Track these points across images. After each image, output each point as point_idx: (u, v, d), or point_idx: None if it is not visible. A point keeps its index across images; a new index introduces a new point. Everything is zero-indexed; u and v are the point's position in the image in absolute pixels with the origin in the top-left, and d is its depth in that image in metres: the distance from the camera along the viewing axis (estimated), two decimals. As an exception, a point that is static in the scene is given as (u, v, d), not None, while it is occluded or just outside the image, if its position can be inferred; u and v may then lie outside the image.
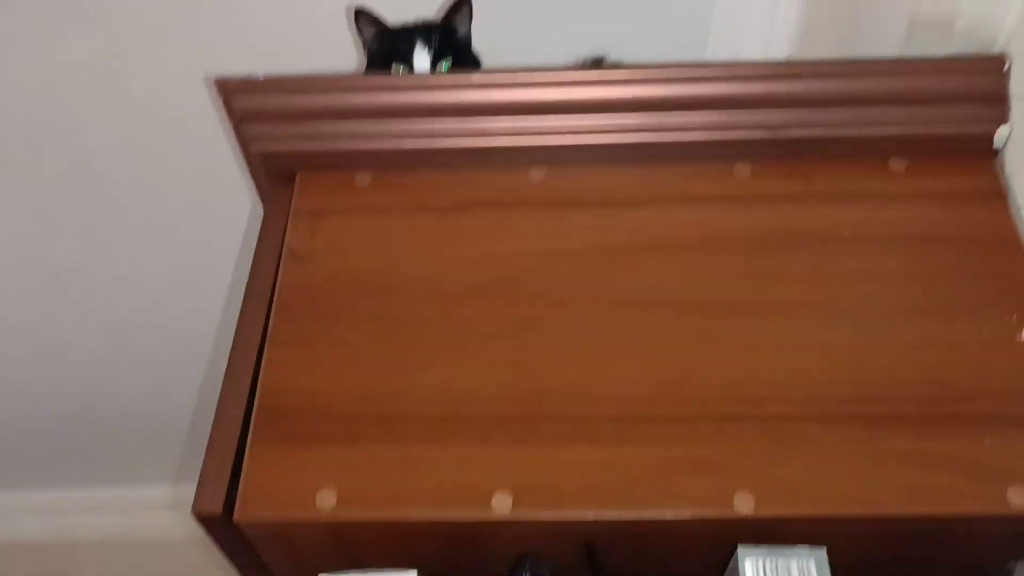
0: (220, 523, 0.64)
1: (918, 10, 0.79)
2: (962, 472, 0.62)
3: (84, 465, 1.78)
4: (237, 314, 0.76)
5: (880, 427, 0.65)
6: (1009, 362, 0.67)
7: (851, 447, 0.64)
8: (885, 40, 0.83)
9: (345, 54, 1.02)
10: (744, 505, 0.61)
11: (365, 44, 0.91)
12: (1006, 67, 0.76)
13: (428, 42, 0.87)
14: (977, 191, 0.77)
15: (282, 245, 0.78)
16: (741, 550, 0.61)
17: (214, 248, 1.25)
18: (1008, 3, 0.76)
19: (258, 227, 0.82)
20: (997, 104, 0.76)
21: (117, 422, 1.66)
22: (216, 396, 0.71)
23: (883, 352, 0.69)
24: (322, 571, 0.63)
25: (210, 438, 0.67)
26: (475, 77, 0.80)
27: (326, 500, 0.63)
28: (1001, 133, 0.76)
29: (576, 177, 0.80)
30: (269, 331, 0.72)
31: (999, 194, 0.76)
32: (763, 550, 0.61)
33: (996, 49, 0.78)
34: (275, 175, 0.82)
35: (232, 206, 1.15)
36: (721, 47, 1.07)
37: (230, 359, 0.73)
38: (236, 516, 0.63)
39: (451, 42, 0.89)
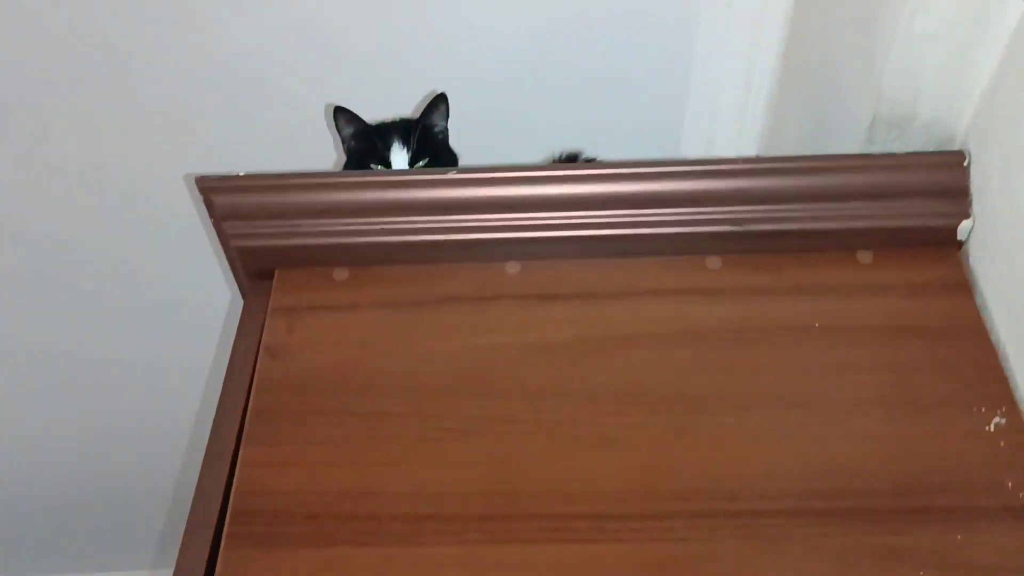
0: (193, 629, 0.64)
1: (879, 108, 0.81)
2: (935, 568, 0.62)
3: (60, 553, 1.76)
4: (215, 409, 0.76)
5: (853, 522, 0.65)
6: (979, 454, 0.68)
7: (824, 543, 0.64)
8: (849, 137, 0.86)
9: (324, 151, 1.05)
10: (719, 604, 0.61)
11: (344, 142, 0.93)
12: (966, 162, 0.78)
13: (406, 140, 0.89)
14: (943, 282, 0.78)
15: (259, 341, 0.78)
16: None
17: (195, 339, 1.26)
18: (966, 101, 0.79)
19: (237, 320, 0.83)
20: (959, 198, 0.78)
21: (96, 510, 1.64)
22: (192, 491, 0.71)
23: (854, 444, 0.69)
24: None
25: (183, 542, 0.66)
26: (451, 174, 0.81)
27: (299, 604, 0.63)
28: (964, 226, 0.78)
29: (551, 271, 0.81)
30: (244, 430, 0.72)
31: (964, 285, 0.77)
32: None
33: (956, 145, 0.81)
34: (254, 271, 0.83)
35: (213, 298, 1.16)
36: (694, 144, 1.10)
37: (205, 457, 0.73)
38: (209, 623, 0.63)
39: (429, 139, 0.91)
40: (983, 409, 0.70)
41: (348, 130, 0.91)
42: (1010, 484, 0.66)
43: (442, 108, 0.92)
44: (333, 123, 0.92)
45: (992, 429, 0.69)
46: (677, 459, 0.69)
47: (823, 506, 0.66)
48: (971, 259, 0.79)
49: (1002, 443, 0.68)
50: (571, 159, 0.98)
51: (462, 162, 0.94)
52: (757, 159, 0.82)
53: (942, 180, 0.79)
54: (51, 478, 1.58)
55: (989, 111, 0.77)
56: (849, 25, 0.87)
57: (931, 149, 0.82)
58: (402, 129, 0.90)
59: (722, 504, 0.66)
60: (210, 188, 0.80)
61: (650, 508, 0.66)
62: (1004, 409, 0.70)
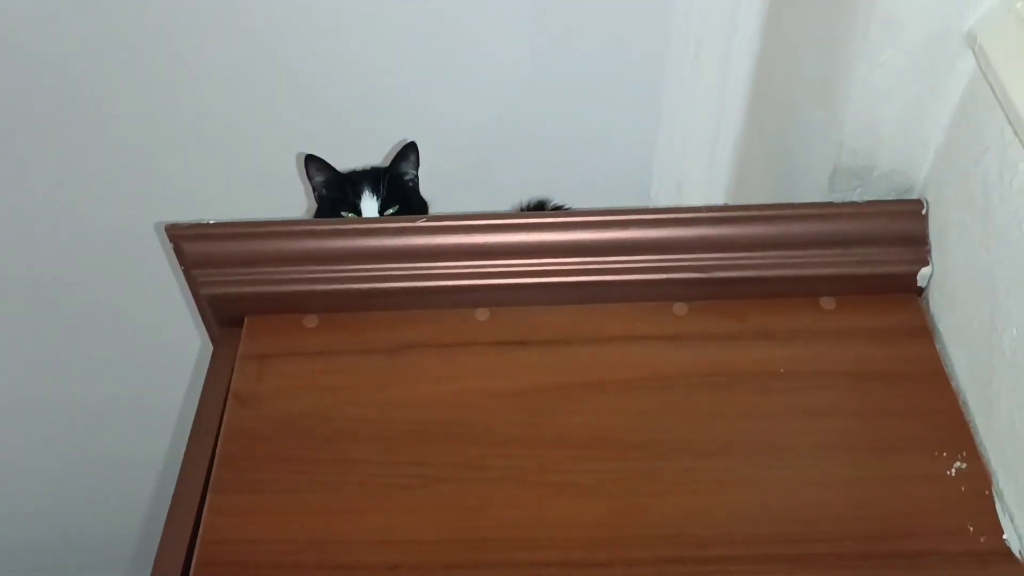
0: None
1: (840, 158, 0.84)
2: (901, 613, 0.63)
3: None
4: (181, 457, 0.75)
5: (821, 567, 0.65)
6: (941, 498, 0.69)
7: (792, 589, 0.64)
8: (812, 186, 0.88)
9: (295, 200, 1.05)
10: (687, 652, 0.61)
11: (315, 190, 0.93)
12: (924, 210, 0.80)
13: (376, 188, 0.90)
14: (905, 328, 0.80)
15: (228, 388, 0.78)
16: None
17: (164, 386, 1.25)
18: (923, 152, 0.81)
19: (207, 366, 0.83)
20: (918, 246, 0.80)
21: (60, 557, 1.61)
22: (158, 539, 0.70)
23: (819, 489, 0.70)
24: None
25: (147, 592, 0.66)
26: (421, 222, 0.82)
27: (265, 656, 0.62)
28: (923, 273, 0.80)
29: (520, 317, 0.82)
30: (211, 477, 0.72)
31: (925, 331, 0.79)
32: None
33: (915, 194, 0.83)
34: (224, 318, 0.83)
35: (183, 345, 1.15)
36: (663, 195, 1.12)
37: (171, 505, 0.72)
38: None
39: (399, 187, 0.92)
40: (944, 454, 0.71)
41: (319, 178, 0.92)
42: (971, 528, 0.67)
43: (412, 157, 0.93)
44: (304, 171, 0.92)
45: (953, 474, 0.70)
46: (645, 505, 0.69)
47: (791, 552, 0.66)
48: (931, 305, 0.81)
49: (963, 488, 0.69)
50: (539, 207, 0.99)
51: (432, 210, 0.95)
52: (722, 208, 0.84)
53: (902, 228, 0.81)
54: (12, 523, 1.55)
55: (945, 162, 0.79)
56: (811, 79, 0.90)
57: (891, 198, 0.84)
58: (372, 177, 0.91)
59: (691, 551, 0.67)
60: (180, 236, 0.80)
61: (618, 555, 0.66)
62: (964, 453, 0.71)
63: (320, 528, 0.69)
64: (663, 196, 1.13)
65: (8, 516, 1.55)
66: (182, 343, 1.16)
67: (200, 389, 0.81)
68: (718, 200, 1.06)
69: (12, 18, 0.95)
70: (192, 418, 0.78)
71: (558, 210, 0.97)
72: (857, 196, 0.85)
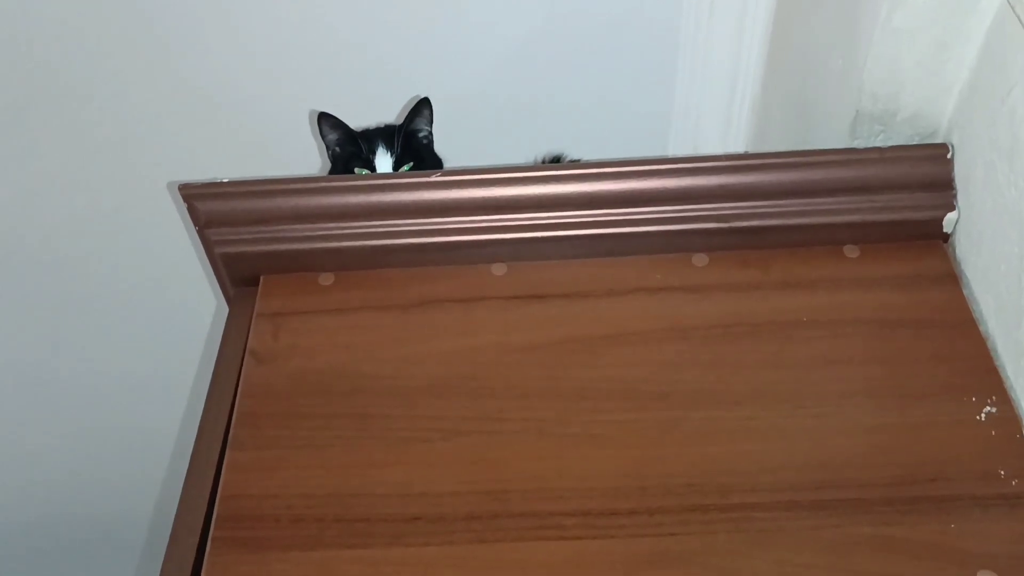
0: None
1: (862, 103, 0.82)
2: (929, 558, 0.62)
3: (39, 571, 1.73)
4: (199, 418, 0.75)
5: (845, 513, 0.64)
6: (971, 443, 0.67)
7: (817, 535, 0.63)
8: (833, 133, 0.86)
9: (309, 158, 1.05)
10: (712, 598, 0.60)
11: (328, 148, 0.93)
12: (949, 155, 0.78)
13: (390, 145, 0.89)
14: (931, 275, 0.78)
15: (245, 347, 0.78)
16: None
17: (180, 347, 1.25)
18: (947, 94, 0.79)
19: (222, 328, 0.82)
20: (943, 191, 0.78)
21: (74, 529, 1.63)
22: (176, 503, 0.70)
23: (845, 436, 0.69)
24: None
25: (168, 548, 0.65)
26: (435, 176, 0.81)
27: (286, 608, 0.62)
28: (949, 218, 0.78)
29: (537, 271, 0.81)
30: (230, 434, 0.72)
31: (952, 277, 0.77)
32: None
33: (939, 138, 0.81)
34: (239, 277, 0.83)
35: (198, 305, 1.15)
36: (680, 147, 1.10)
37: (191, 463, 0.72)
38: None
39: (413, 144, 0.91)
40: (973, 399, 0.70)
41: (332, 136, 0.91)
42: (1002, 472, 0.65)
43: (426, 113, 0.92)
44: (317, 129, 0.92)
45: (983, 418, 0.68)
46: (667, 455, 0.68)
47: (815, 498, 0.65)
48: (958, 251, 0.79)
49: (993, 432, 0.68)
50: (554, 162, 0.98)
51: (447, 167, 0.94)
52: (742, 155, 0.82)
53: (927, 173, 0.79)
54: (31, 490, 1.56)
55: (969, 104, 0.77)
56: (830, 23, 0.88)
57: (915, 142, 0.82)
58: (386, 134, 0.90)
59: (713, 499, 0.66)
60: (194, 195, 0.80)
61: (640, 504, 0.66)
62: (995, 398, 0.69)
63: (339, 482, 0.68)
64: (680, 152, 1.12)
65: (22, 491, 1.57)
66: (197, 306, 1.15)
67: (215, 355, 0.80)
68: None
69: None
70: (207, 384, 0.77)
71: (575, 163, 0.96)
72: (880, 142, 0.83)
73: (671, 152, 1.13)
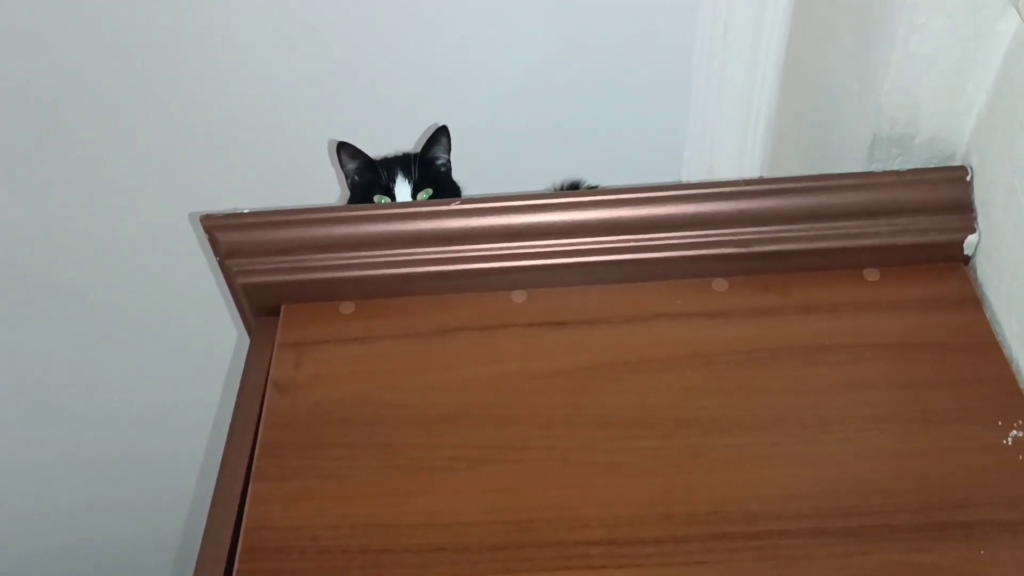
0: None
1: (879, 127, 0.82)
2: (960, 584, 0.61)
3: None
4: (222, 450, 0.75)
5: (874, 540, 0.64)
6: (998, 468, 0.67)
7: (846, 562, 0.63)
8: (850, 158, 0.86)
9: (328, 188, 1.05)
10: (741, 628, 0.60)
11: (348, 176, 0.93)
12: (969, 177, 0.78)
13: (409, 173, 0.90)
14: (952, 297, 0.78)
15: (267, 377, 0.78)
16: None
17: (202, 378, 1.25)
18: (965, 117, 0.79)
19: (243, 359, 0.82)
20: (964, 213, 0.78)
21: (101, 556, 1.62)
22: (200, 534, 0.70)
23: (872, 462, 0.68)
24: None
25: (193, 580, 0.65)
26: (455, 205, 0.82)
27: (312, 640, 0.61)
28: (970, 241, 0.78)
29: (557, 298, 0.81)
30: (254, 466, 0.72)
31: (974, 300, 0.77)
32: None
33: (957, 161, 0.81)
34: (260, 307, 0.83)
35: (219, 336, 1.15)
36: (695, 172, 1.10)
37: (215, 495, 0.72)
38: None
39: (431, 172, 0.92)
40: (999, 423, 0.69)
41: (351, 165, 0.92)
42: (1031, 497, 0.65)
43: (444, 141, 0.92)
44: (337, 159, 0.92)
45: (1010, 443, 0.68)
46: (692, 482, 0.68)
47: (843, 525, 0.65)
48: (979, 273, 0.79)
49: (1021, 457, 0.67)
50: (573, 188, 0.98)
51: (465, 195, 0.94)
52: (760, 180, 0.82)
53: (946, 195, 0.79)
54: (57, 518, 1.56)
55: (988, 127, 0.77)
56: (846, 47, 0.88)
57: (933, 165, 0.82)
58: (404, 162, 0.91)
59: (740, 526, 0.65)
60: (215, 226, 0.80)
61: (666, 532, 0.65)
62: (1021, 422, 0.69)
63: (364, 512, 0.68)
64: (695, 177, 1.12)
65: (50, 518, 1.57)
66: (218, 337, 1.16)
67: (237, 384, 0.81)
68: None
69: (41, 13, 0.95)
70: (229, 414, 0.78)
71: (593, 189, 0.96)
72: (898, 165, 0.83)
73: (686, 176, 1.13)
